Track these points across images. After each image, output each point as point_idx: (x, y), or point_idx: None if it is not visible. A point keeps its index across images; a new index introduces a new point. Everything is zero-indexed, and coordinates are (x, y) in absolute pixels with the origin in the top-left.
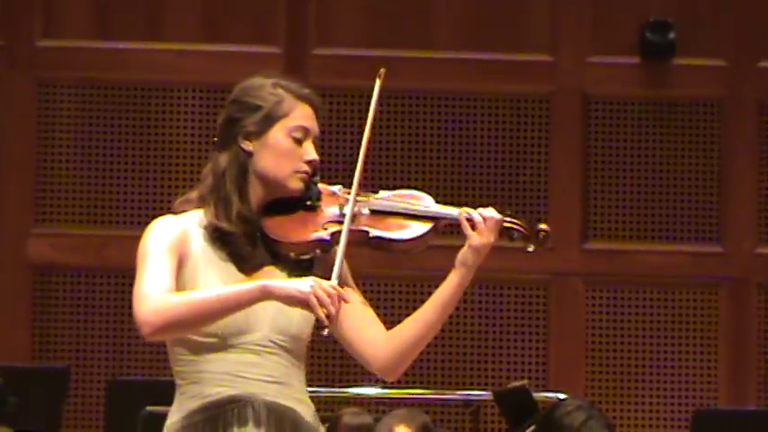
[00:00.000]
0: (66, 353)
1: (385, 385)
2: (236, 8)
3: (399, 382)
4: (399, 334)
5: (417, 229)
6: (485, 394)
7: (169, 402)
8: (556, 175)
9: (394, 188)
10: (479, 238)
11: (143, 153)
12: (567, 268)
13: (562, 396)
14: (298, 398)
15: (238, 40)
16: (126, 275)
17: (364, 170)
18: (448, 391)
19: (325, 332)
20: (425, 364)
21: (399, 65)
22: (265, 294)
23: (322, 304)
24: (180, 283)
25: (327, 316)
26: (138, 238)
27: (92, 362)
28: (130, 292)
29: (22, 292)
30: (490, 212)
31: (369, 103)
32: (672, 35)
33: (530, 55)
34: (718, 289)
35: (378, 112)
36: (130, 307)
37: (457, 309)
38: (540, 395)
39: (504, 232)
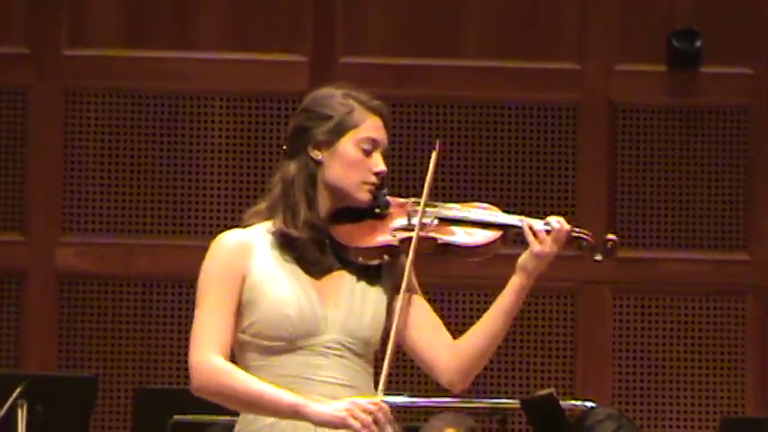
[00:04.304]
0: (93, 362)
1: (412, 394)
2: (263, 17)
3: (426, 390)
4: (465, 345)
5: (485, 236)
6: (512, 402)
7: (196, 411)
8: (582, 182)
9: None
10: (542, 246)
11: (170, 162)
12: (594, 276)
13: (589, 404)
14: None
15: (266, 48)
16: (153, 284)
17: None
18: (475, 400)
19: None
20: None
21: (426, 73)
22: (299, 417)
23: (364, 425)
24: (246, 296)
25: None
26: (164, 247)
27: (119, 371)
28: (158, 301)
29: (49, 301)
30: (557, 223)
31: (396, 112)
32: (699, 43)
33: (557, 63)
34: (745, 297)
35: (432, 183)
36: (158, 316)
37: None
38: (567, 403)
39: (572, 241)
